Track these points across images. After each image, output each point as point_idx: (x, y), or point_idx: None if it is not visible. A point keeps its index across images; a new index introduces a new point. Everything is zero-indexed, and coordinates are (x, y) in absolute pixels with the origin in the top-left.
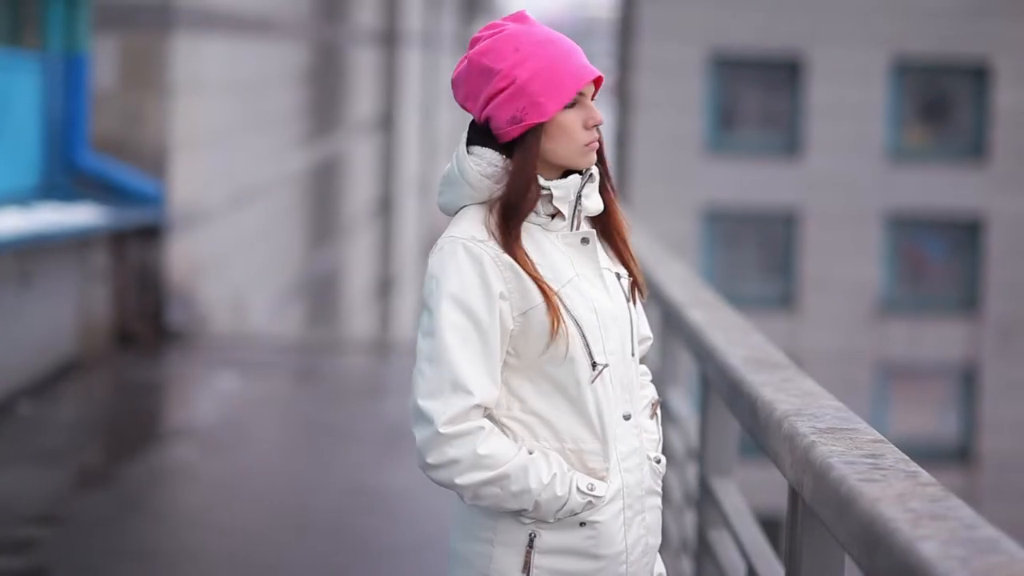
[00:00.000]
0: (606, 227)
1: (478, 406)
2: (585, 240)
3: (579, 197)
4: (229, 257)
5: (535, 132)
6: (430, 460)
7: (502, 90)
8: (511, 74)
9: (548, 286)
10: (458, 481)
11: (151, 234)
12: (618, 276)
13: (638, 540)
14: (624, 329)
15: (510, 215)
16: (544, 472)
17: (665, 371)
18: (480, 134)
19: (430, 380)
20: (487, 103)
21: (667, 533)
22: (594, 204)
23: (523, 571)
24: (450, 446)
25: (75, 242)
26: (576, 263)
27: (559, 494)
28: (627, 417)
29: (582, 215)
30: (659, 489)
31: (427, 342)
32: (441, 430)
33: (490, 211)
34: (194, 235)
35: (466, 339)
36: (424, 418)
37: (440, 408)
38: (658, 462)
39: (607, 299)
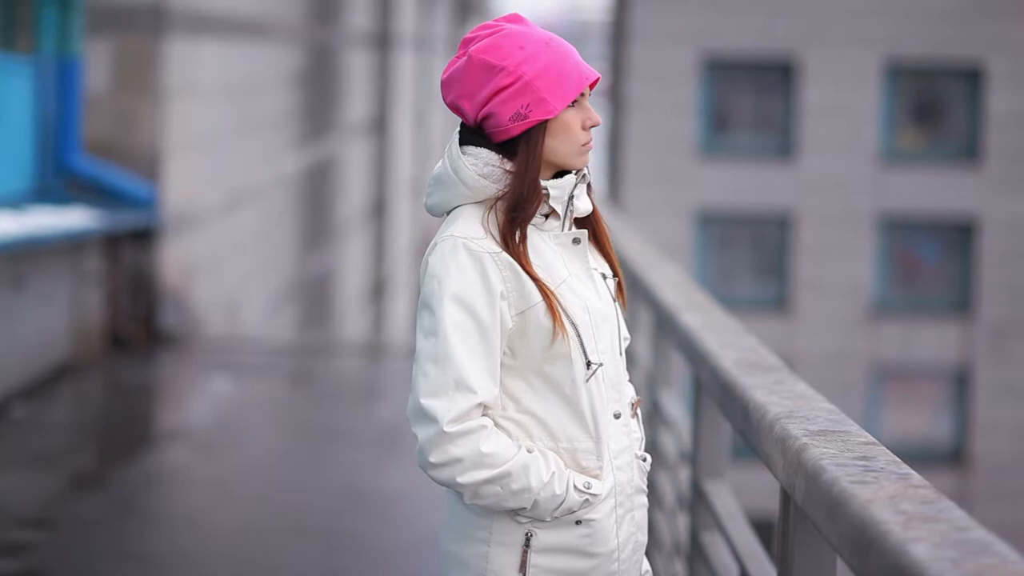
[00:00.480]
0: (591, 228)
1: (480, 404)
2: (577, 240)
3: (571, 197)
4: (222, 260)
5: (540, 129)
6: (433, 459)
7: (507, 86)
8: (517, 71)
9: (547, 287)
10: (460, 480)
11: (144, 237)
12: (604, 276)
13: (629, 538)
14: (613, 329)
15: (517, 214)
16: (544, 470)
17: (658, 373)
18: (471, 135)
19: (433, 379)
20: (489, 100)
21: (660, 535)
22: (584, 205)
23: (519, 570)
24: (454, 444)
25: (68, 245)
26: (568, 263)
27: (557, 492)
28: (617, 416)
29: (572, 215)
30: (645, 487)
31: (429, 341)
32: (446, 428)
33: (489, 211)
34: (187, 238)
35: (468, 338)
36: (427, 417)
37: (444, 407)
38: (644, 460)
39: (597, 299)
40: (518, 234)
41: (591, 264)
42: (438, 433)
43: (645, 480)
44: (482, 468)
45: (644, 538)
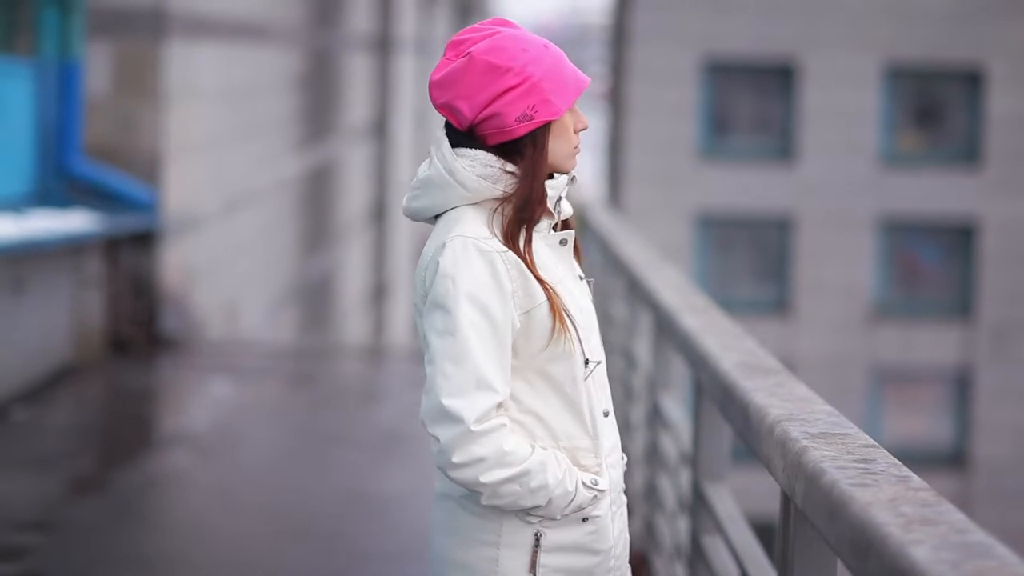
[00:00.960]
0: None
1: (500, 403)
2: (564, 242)
3: (558, 199)
4: (223, 263)
5: (545, 131)
6: (456, 459)
7: (515, 87)
8: (524, 71)
9: (551, 286)
10: (483, 479)
11: (145, 240)
12: (581, 278)
13: (620, 534)
14: (597, 328)
15: (525, 215)
16: (557, 468)
17: (658, 376)
18: (461, 137)
19: (453, 379)
20: (493, 100)
21: (660, 538)
22: (567, 207)
23: (530, 571)
24: (477, 444)
25: (69, 248)
26: (559, 264)
27: (569, 489)
28: (606, 414)
29: (559, 218)
30: (624, 487)
31: (446, 341)
32: (473, 428)
33: (493, 213)
34: (188, 241)
35: (485, 337)
36: (451, 417)
37: (468, 406)
38: (622, 459)
39: (585, 299)
40: (523, 236)
41: (574, 265)
42: (464, 432)
43: (623, 479)
44: (504, 467)
45: (628, 536)
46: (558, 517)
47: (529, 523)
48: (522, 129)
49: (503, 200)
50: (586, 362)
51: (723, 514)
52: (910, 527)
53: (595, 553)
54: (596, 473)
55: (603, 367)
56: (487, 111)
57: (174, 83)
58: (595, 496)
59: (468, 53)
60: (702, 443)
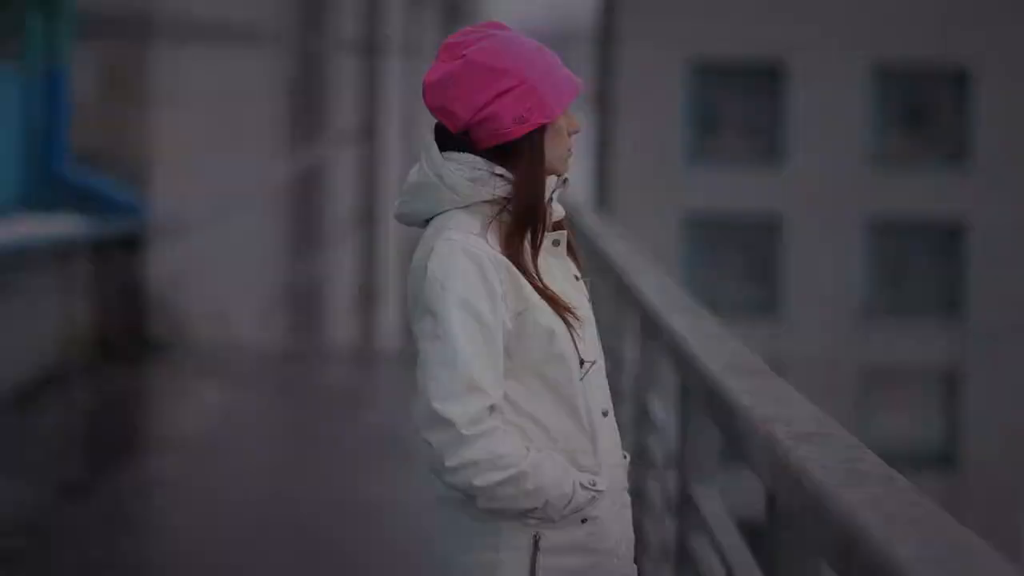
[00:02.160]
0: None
1: (493, 406)
2: (556, 242)
3: (549, 200)
4: (211, 267)
5: (541, 133)
6: (449, 463)
7: (511, 89)
8: (520, 74)
9: (551, 290)
10: (476, 483)
11: (132, 245)
12: (576, 278)
13: (623, 534)
14: (593, 328)
15: (533, 219)
16: (552, 469)
17: (644, 378)
18: (449, 140)
19: (444, 383)
20: (490, 102)
21: (647, 540)
22: (559, 209)
23: (530, 573)
24: (469, 448)
25: (57, 253)
26: (554, 265)
27: (566, 490)
28: (605, 414)
29: (552, 219)
30: (627, 485)
31: (435, 345)
32: (464, 431)
33: (491, 220)
34: (175, 245)
35: (475, 340)
36: (442, 421)
37: (459, 410)
38: (624, 458)
39: (581, 298)
40: (529, 242)
41: (569, 265)
42: (455, 436)
43: (626, 479)
44: (497, 470)
45: (632, 536)
46: (556, 519)
47: (528, 525)
48: (518, 131)
49: (501, 207)
50: (581, 362)
51: (710, 515)
52: (894, 527)
53: (595, 553)
54: (595, 473)
55: (601, 367)
56: (482, 113)
57: (161, 87)
58: (593, 497)
59: (463, 55)
60: (689, 444)
